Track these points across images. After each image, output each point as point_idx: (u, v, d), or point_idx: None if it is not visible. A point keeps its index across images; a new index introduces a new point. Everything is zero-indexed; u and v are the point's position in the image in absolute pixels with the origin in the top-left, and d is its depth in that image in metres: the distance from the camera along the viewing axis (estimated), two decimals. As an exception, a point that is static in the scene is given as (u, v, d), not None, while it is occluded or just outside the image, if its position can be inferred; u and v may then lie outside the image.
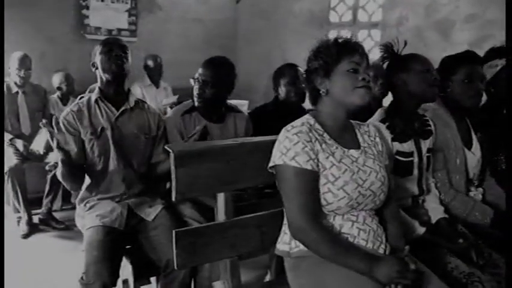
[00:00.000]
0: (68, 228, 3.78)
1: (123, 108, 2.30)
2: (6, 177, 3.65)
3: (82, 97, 2.38)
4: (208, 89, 2.39)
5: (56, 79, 4.44)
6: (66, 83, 4.43)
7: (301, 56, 1.68)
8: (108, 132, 2.23)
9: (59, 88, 4.43)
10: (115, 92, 2.31)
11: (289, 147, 1.49)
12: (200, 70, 2.44)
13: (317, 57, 1.58)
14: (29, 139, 3.92)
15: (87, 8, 5.02)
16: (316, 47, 1.61)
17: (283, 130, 1.56)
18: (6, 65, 3.88)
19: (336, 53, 1.53)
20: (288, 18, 5.44)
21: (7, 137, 3.85)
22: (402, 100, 1.99)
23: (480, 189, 2.26)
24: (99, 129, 2.22)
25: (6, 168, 3.63)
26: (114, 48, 2.26)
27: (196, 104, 2.46)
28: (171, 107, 4.47)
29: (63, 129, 2.16)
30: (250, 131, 2.67)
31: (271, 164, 1.55)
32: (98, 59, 2.28)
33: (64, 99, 4.46)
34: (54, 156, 3.83)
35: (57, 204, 3.97)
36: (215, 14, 5.93)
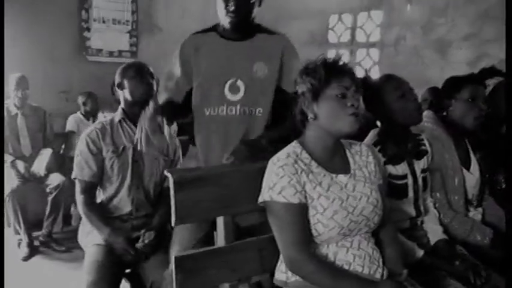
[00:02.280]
0: (68, 251, 3.77)
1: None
2: (7, 199, 3.66)
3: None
4: None
5: (81, 97, 4.63)
6: (91, 101, 4.60)
7: None
8: (129, 152, 2.27)
9: (84, 104, 4.61)
10: (138, 113, 2.28)
11: (276, 182, 1.47)
12: None
13: (304, 79, 1.52)
14: (29, 160, 3.94)
15: (89, 30, 5.08)
16: (304, 68, 1.55)
17: (269, 163, 1.53)
18: (7, 75, 3.92)
19: (324, 76, 1.48)
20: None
21: (8, 158, 3.87)
22: (389, 126, 1.96)
23: (479, 209, 2.25)
24: (120, 148, 2.27)
25: (7, 191, 3.64)
26: (145, 75, 2.32)
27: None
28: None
29: (86, 147, 2.25)
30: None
31: (260, 200, 1.53)
32: (127, 82, 2.32)
33: (88, 116, 4.61)
34: (55, 178, 3.85)
35: (58, 226, 3.97)
36: (215, 35, 5.98)
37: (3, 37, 2.53)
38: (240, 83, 1.96)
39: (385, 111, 1.92)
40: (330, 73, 1.48)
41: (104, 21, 5.16)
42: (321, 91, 1.49)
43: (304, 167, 1.50)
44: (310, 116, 1.53)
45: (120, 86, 2.35)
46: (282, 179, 1.46)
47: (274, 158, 1.53)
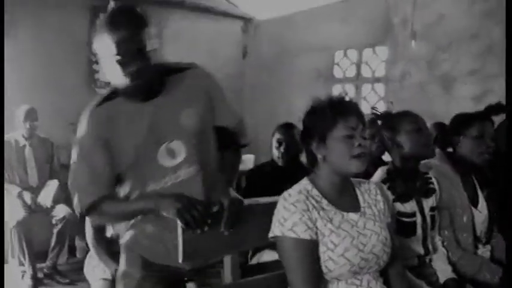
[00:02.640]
0: (72, 283, 3.74)
1: None
2: (13, 230, 3.67)
3: None
4: None
5: None
6: None
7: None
8: None
9: None
10: None
11: (287, 217, 1.47)
12: None
13: (311, 120, 1.54)
14: (36, 191, 3.96)
15: (97, 62, 5.15)
16: (310, 108, 1.56)
17: (280, 198, 1.53)
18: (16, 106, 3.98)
19: (331, 117, 1.48)
20: (293, 73, 5.57)
21: (15, 189, 3.89)
22: (400, 161, 2.00)
23: (488, 247, 2.24)
24: None
25: (13, 222, 3.65)
26: None
27: None
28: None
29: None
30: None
31: (270, 235, 1.53)
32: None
33: None
34: (61, 210, 3.86)
35: (63, 258, 3.96)
36: (223, 69, 6.03)
37: (3, 21, 2.54)
38: (174, 144, 1.60)
39: (400, 143, 1.97)
40: (336, 114, 1.49)
41: (113, 55, 5.25)
42: (328, 132, 1.50)
43: (316, 204, 1.51)
44: (319, 156, 1.54)
45: None
46: (293, 215, 1.46)
47: (285, 194, 1.54)
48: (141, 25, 1.55)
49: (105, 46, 1.50)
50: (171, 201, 1.49)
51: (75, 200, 1.60)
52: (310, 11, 5.41)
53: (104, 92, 1.61)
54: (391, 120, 2.01)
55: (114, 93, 1.59)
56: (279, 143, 2.82)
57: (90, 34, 5.09)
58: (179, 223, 1.47)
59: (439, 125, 3.60)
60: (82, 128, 1.59)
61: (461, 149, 2.18)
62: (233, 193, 1.60)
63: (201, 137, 1.65)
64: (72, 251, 4.03)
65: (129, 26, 1.51)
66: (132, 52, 1.48)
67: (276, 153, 2.83)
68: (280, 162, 2.82)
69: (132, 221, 1.70)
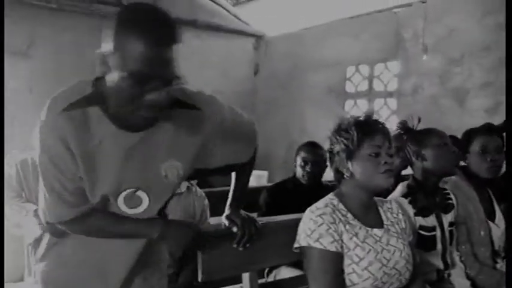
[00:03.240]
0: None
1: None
2: (30, 248, 3.69)
3: None
4: None
5: None
6: None
7: (319, 125, 1.68)
8: None
9: None
10: None
11: (314, 229, 1.50)
12: None
13: (338, 139, 1.59)
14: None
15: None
16: (336, 127, 1.62)
17: (307, 211, 1.57)
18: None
19: (357, 136, 1.54)
20: (305, 89, 5.59)
21: (32, 208, 3.92)
22: (422, 175, 2.01)
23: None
24: None
25: (31, 240, 3.67)
26: None
27: None
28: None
29: None
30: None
31: (296, 245, 1.56)
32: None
33: None
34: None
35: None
36: (235, 86, 6.12)
37: (3, 20, 2.55)
38: (139, 193, 1.31)
39: (425, 157, 1.99)
40: (362, 133, 1.54)
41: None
42: (354, 151, 1.54)
43: (342, 217, 1.55)
44: (345, 174, 1.58)
45: None
46: (320, 226, 1.50)
47: (312, 207, 1.58)
48: (177, 38, 1.17)
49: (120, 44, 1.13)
50: (177, 230, 1.38)
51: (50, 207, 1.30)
52: (321, 27, 5.45)
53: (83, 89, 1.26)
54: (417, 134, 2.04)
55: (92, 99, 1.23)
56: (305, 161, 2.84)
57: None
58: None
59: (452, 139, 3.59)
60: (45, 119, 1.23)
61: (469, 164, 2.20)
62: (244, 213, 1.58)
63: (174, 190, 1.39)
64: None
65: (168, 31, 1.15)
66: (159, 66, 1.12)
67: (300, 171, 2.85)
68: (304, 181, 2.84)
69: (44, 247, 1.45)
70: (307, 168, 2.81)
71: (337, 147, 1.59)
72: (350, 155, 1.55)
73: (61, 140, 1.20)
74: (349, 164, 1.56)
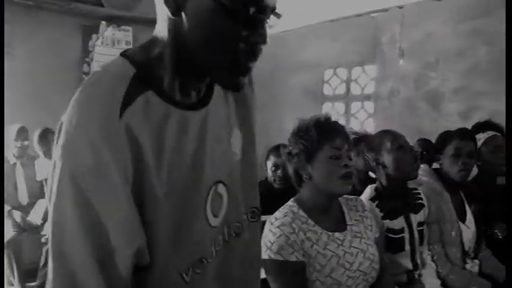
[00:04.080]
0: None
1: None
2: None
3: None
4: None
5: None
6: None
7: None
8: None
9: None
10: None
11: (273, 241, 1.47)
12: None
13: (297, 141, 1.55)
14: (26, 210, 3.94)
15: (90, 82, 5.18)
16: (296, 129, 1.58)
17: (267, 222, 1.55)
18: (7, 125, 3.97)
19: (317, 138, 1.51)
20: (284, 91, 5.62)
21: (5, 208, 3.87)
22: (386, 180, 2.01)
23: (476, 261, 2.26)
24: None
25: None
26: None
27: None
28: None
29: None
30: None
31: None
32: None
33: None
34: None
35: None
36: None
37: (3, 22, 2.48)
38: (221, 188, 0.93)
39: (384, 164, 1.98)
40: (322, 135, 1.52)
41: (105, 74, 5.27)
42: (314, 153, 1.52)
43: (302, 225, 1.53)
44: (304, 177, 1.57)
45: None
46: (279, 238, 1.47)
47: (271, 218, 1.55)
48: None
49: None
50: None
51: None
52: (301, 30, 5.48)
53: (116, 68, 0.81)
54: (371, 141, 2.03)
55: (143, 79, 0.80)
56: (276, 166, 2.82)
57: (82, 53, 5.14)
58: None
59: (424, 142, 3.65)
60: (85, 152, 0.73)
61: (442, 166, 2.24)
62: None
63: (246, 172, 1.07)
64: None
65: None
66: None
67: (272, 176, 2.84)
68: (276, 185, 2.82)
69: None
70: (278, 172, 2.80)
71: (296, 149, 1.56)
72: (309, 157, 1.53)
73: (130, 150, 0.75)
74: (309, 167, 1.54)
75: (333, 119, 1.59)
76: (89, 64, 5.17)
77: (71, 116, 0.77)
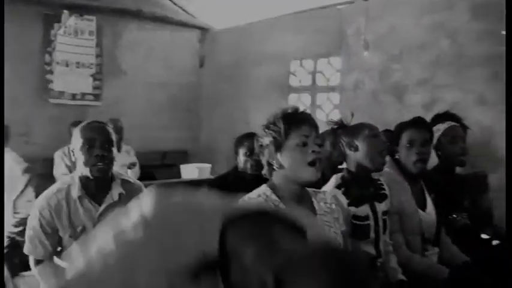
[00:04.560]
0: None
1: (106, 204, 2.01)
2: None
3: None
4: None
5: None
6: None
7: (263, 118, 1.69)
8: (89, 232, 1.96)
9: None
10: (98, 186, 2.02)
11: None
12: None
13: (267, 132, 1.62)
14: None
15: (51, 72, 5.07)
16: (266, 122, 1.65)
17: (240, 201, 1.54)
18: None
19: (284, 128, 1.57)
20: (250, 82, 5.62)
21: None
22: (355, 167, 2.07)
23: (436, 249, 2.32)
24: (79, 228, 1.98)
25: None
26: (97, 141, 1.94)
27: None
28: (130, 168, 4.45)
29: (38, 226, 1.95)
30: None
31: None
32: (79, 149, 1.95)
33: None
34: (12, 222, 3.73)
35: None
36: (179, 78, 6.07)
37: (3, 19, 2.41)
38: None
39: (358, 147, 2.04)
40: (289, 124, 1.57)
41: (67, 65, 5.17)
42: (282, 142, 1.58)
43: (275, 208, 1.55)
44: (275, 166, 1.61)
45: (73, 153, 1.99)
46: None
47: (245, 197, 1.60)
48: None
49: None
50: None
51: None
52: (266, 22, 5.48)
53: None
54: (350, 128, 2.09)
55: None
56: (250, 151, 2.83)
57: (43, 43, 5.01)
58: None
59: (388, 133, 3.70)
60: None
61: (400, 157, 2.28)
62: None
63: None
64: (25, 265, 3.89)
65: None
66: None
67: (244, 162, 2.84)
68: (249, 171, 2.83)
69: None
70: (252, 159, 2.81)
71: (266, 140, 1.63)
72: (278, 146, 1.59)
73: None
74: (278, 156, 1.59)
75: (301, 109, 1.65)
76: (50, 54, 5.05)
77: None
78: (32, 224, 1.97)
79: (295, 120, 1.59)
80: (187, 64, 6.27)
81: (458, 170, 2.81)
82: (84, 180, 1.99)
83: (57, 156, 4.47)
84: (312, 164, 1.55)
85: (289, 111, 1.62)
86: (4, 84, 3.77)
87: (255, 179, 2.74)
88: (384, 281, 2.00)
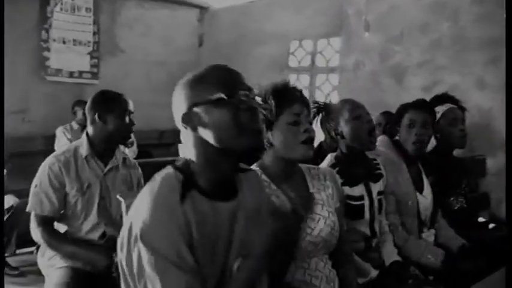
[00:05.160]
0: (22, 275, 3.64)
1: (111, 166, 2.19)
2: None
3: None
4: None
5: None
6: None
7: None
8: (95, 189, 2.12)
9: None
10: (109, 149, 2.20)
11: None
12: None
13: None
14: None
15: (48, 50, 5.02)
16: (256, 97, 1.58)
17: None
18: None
19: (275, 105, 1.50)
20: (249, 62, 5.57)
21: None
22: (346, 149, 2.02)
23: (432, 231, 2.33)
24: (85, 185, 2.10)
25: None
26: (129, 110, 2.15)
27: None
28: (127, 146, 4.42)
29: (47, 180, 2.04)
30: None
31: None
32: (110, 116, 2.12)
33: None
34: (8, 199, 3.74)
35: (11, 249, 3.83)
36: (178, 57, 6.01)
37: (3, 17, 2.40)
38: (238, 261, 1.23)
39: (343, 134, 1.98)
40: (280, 102, 1.51)
41: (64, 42, 5.12)
42: (273, 121, 1.52)
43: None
44: (266, 144, 1.55)
45: (100, 118, 2.11)
46: None
47: None
48: None
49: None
50: None
51: None
52: (266, 0, 5.42)
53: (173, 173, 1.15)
54: (330, 111, 2.01)
55: (188, 183, 1.14)
56: None
57: (40, 20, 4.94)
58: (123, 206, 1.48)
59: (387, 114, 3.70)
60: (158, 235, 1.06)
61: (400, 138, 2.27)
62: None
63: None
64: (21, 241, 3.90)
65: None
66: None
67: None
68: None
69: None
70: None
71: None
72: (269, 124, 1.52)
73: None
74: (269, 134, 1.53)
75: (291, 85, 1.57)
76: (47, 31, 4.99)
77: (146, 209, 1.07)
78: (40, 179, 2.04)
79: (286, 98, 1.52)
80: (186, 43, 6.21)
81: (456, 153, 2.81)
82: (97, 142, 2.15)
83: (59, 131, 4.63)
84: (304, 142, 1.50)
85: (279, 86, 1.55)
86: (4, 84, 3.72)
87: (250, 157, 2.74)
88: (378, 261, 1.99)
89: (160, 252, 1.03)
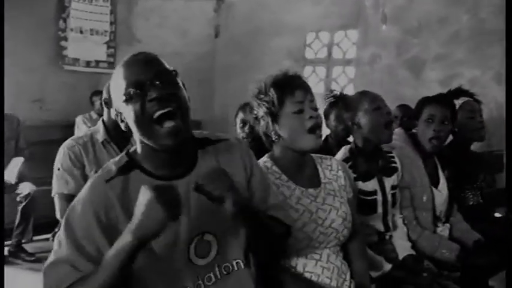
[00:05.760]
0: (39, 261, 3.69)
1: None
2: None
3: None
4: None
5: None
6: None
7: None
8: None
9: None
10: (121, 133, 2.17)
11: None
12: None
13: (259, 103, 1.53)
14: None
15: (66, 39, 5.05)
16: (256, 92, 1.55)
17: None
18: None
19: (277, 97, 1.49)
20: (265, 53, 5.55)
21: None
22: (362, 141, 2.00)
23: (447, 225, 2.30)
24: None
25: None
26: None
27: None
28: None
29: (68, 161, 2.12)
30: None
31: None
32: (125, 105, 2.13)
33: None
34: (26, 187, 3.80)
35: (28, 235, 3.89)
36: (194, 48, 6.01)
37: (3, 16, 2.41)
38: (208, 236, 1.24)
39: (360, 124, 1.96)
40: (282, 92, 1.49)
41: (81, 32, 5.15)
42: (277, 112, 1.50)
43: (275, 180, 1.53)
44: (274, 137, 1.54)
45: (110, 104, 2.10)
46: None
47: None
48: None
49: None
50: None
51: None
52: (283, -9, 5.39)
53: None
54: (349, 101, 2.01)
55: (130, 165, 1.22)
56: (243, 123, 2.78)
57: (57, 10, 4.98)
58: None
59: (404, 108, 3.67)
60: (79, 206, 1.17)
61: (418, 132, 2.24)
62: None
63: (235, 228, 1.27)
64: (37, 228, 3.97)
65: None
66: (168, 94, 1.16)
67: (240, 133, 2.81)
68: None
69: None
70: (246, 129, 2.77)
71: (260, 112, 1.54)
72: (274, 117, 1.51)
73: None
74: (276, 127, 1.52)
75: (290, 73, 1.55)
76: (65, 20, 5.02)
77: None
78: (61, 162, 2.13)
79: (287, 87, 1.50)
80: (202, 34, 6.20)
81: (474, 147, 2.78)
82: (112, 127, 2.22)
83: (79, 119, 4.77)
84: (311, 130, 1.49)
85: (279, 77, 1.53)
86: (4, 84, 3.76)
87: (258, 149, 2.71)
88: (391, 255, 1.98)
89: (67, 231, 1.16)
